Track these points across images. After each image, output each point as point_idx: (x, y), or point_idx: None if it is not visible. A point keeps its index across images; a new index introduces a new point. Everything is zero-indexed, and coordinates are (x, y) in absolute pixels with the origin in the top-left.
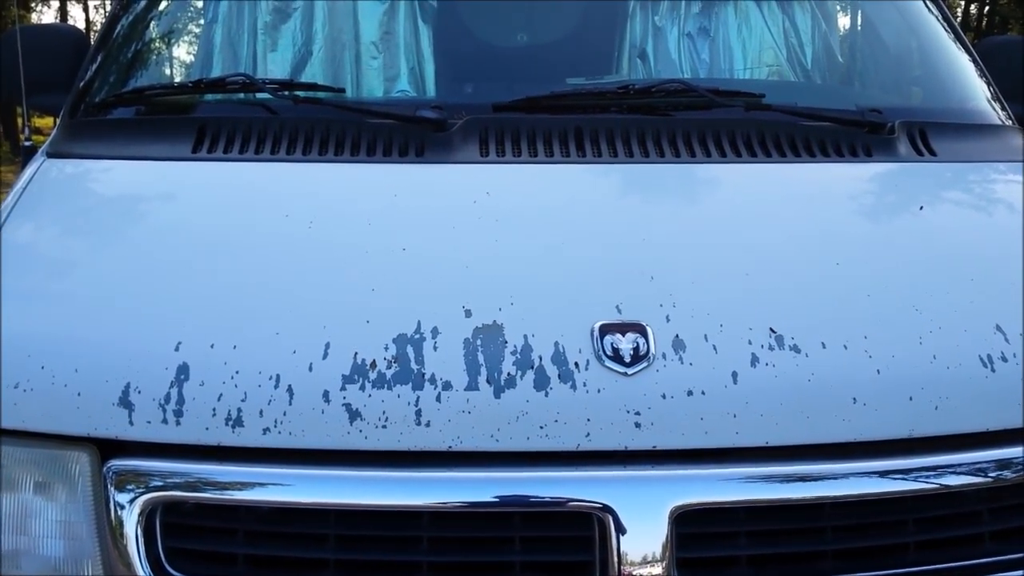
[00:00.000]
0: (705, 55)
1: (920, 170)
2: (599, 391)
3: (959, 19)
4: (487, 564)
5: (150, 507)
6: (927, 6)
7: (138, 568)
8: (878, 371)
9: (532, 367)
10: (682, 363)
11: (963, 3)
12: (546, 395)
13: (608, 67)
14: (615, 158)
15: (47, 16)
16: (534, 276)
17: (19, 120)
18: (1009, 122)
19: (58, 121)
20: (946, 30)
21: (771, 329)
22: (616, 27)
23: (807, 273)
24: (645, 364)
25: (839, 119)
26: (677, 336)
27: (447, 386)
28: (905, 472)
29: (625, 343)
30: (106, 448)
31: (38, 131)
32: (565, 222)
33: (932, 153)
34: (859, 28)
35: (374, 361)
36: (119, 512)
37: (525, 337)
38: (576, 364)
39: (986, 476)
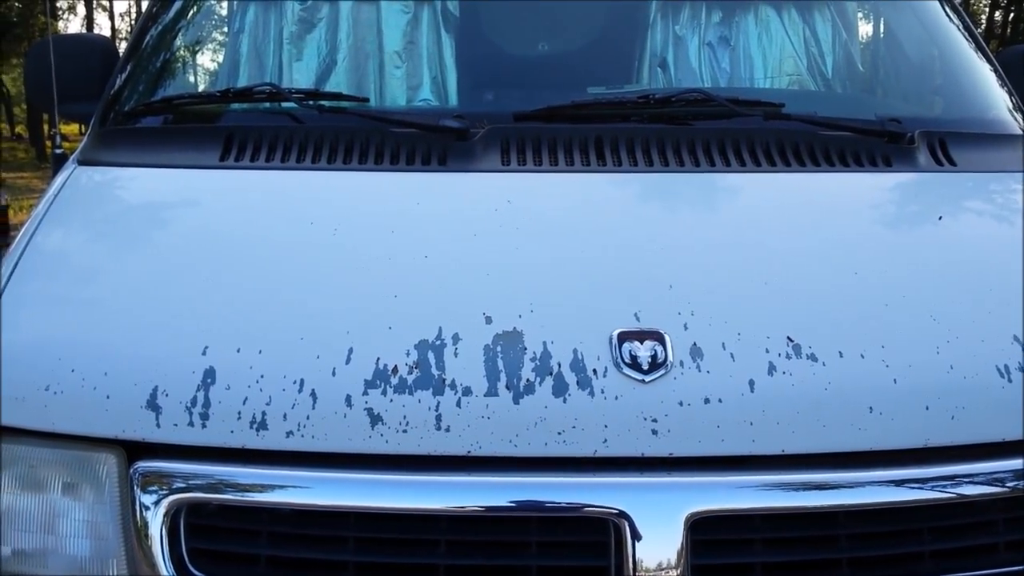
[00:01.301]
0: (725, 64)
1: (939, 180)
2: (617, 398)
3: (983, 26)
4: (504, 568)
5: (175, 508)
6: (948, 15)
7: (162, 568)
8: (895, 380)
9: (551, 374)
10: (699, 371)
11: (987, 10)
12: (564, 401)
13: (628, 76)
14: (635, 167)
15: (73, 24)
16: (554, 284)
17: (45, 127)
18: None
19: (88, 129)
20: (967, 39)
21: (788, 338)
22: (637, 36)
23: (825, 282)
24: (663, 372)
25: (858, 129)
26: (695, 344)
27: (467, 392)
28: (921, 481)
29: (643, 351)
30: (133, 450)
31: (64, 138)
32: (585, 230)
33: (952, 163)
34: (879, 37)
35: (396, 367)
36: (144, 513)
37: (544, 344)
38: (594, 371)
39: (1002, 486)
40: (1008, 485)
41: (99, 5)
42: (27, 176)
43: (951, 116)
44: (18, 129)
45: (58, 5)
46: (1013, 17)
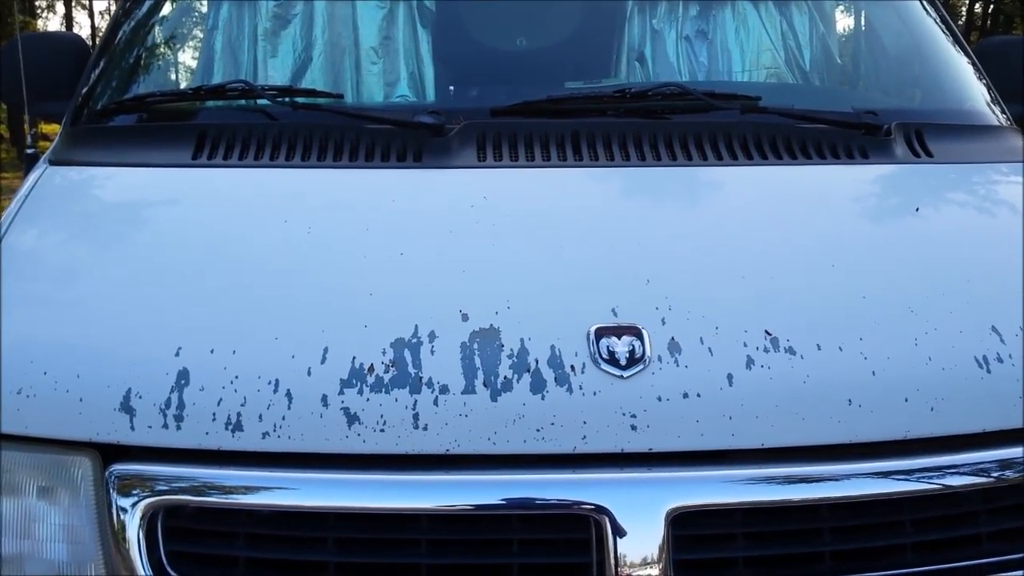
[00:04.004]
0: (703, 58)
1: (917, 172)
2: (595, 394)
3: (963, 18)
4: (485, 566)
5: (152, 511)
6: (924, 7)
7: (140, 571)
8: (873, 373)
9: (528, 370)
10: (677, 365)
11: (967, 2)
12: (542, 398)
13: (607, 71)
14: (612, 162)
15: (53, 23)
16: (530, 280)
17: (26, 127)
18: (1007, 123)
19: (61, 128)
20: (944, 31)
21: (766, 331)
22: (614, 31)
23: (803, 275)
24: (641, 367)
25: (835, 121)
26: (672, 339)
27: (444, 390)
28: (901, 473)
29: (621, 346)
30: (108, 453)
31: (45, 137)
32: (562, 226)
33: (929, 154)
34: (857, 30)
35: (372, 365)
36: (121, 516)
37: (521, 340)
38: (572, 367)
39: (983, 477)
40: (989, 475)
41: (78, 3)
42: (8, 176)
43: (928, 107)
44: None
45: (37, 3)
46: (993, 9)
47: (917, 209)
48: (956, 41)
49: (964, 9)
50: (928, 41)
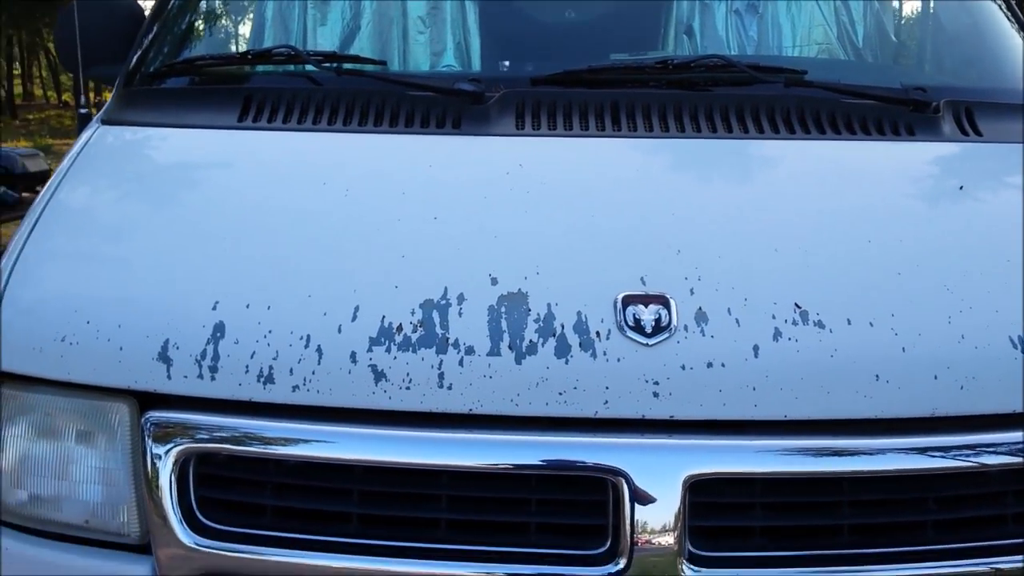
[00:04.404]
0: (753, 32)
1: (964, 150)
2: (619, 360)
3: None
4: (503, 524)
5: (184, 457)
6: None
7: (171, 515)
8: (903, 349)
9: (554, 335)
10: (703, 335)
11: None
12: (566, 362)
13: (654, 44)
14: (651, 133)
15: None
16: (561, 247)
17: (91, 95)
18: None
19: (113, 90)
20: (1001, 8)
21: (796, 304)
22: (663, 4)
23: (837, 250)
24: (666, 335)
25: (882, 97)
26: (700, 308)
27: (470, 351)
28: (927, 450)
29: (647, 314)
30: (145, 400)
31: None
32: (596, 194)
33: (978, 133)
34: (913, 7)
35: (400, 324)
36: (155, 462)
37: (548, 306)
38: (597, 333)
39: (1011, 457)
40: (1017, 457)
41: None
42: (72, 142)
43: (981, 85)
44: (65, 96)
45: None
46: None
47: (961, 187)
48: (1013, 17)
49: None
50: (984, 17)
